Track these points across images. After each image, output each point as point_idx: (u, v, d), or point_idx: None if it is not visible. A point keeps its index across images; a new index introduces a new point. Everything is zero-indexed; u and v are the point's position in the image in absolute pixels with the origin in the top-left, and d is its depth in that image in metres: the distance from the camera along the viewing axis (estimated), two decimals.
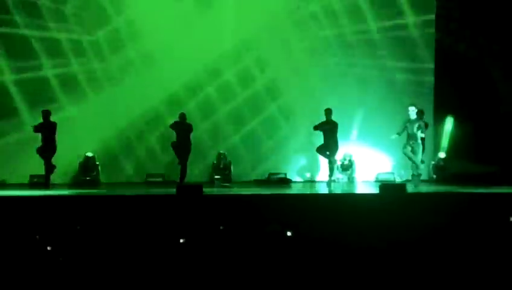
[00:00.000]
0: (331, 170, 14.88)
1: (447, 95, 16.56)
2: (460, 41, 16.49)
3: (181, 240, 7.74)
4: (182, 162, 14.80)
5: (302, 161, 16.76)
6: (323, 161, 15.65)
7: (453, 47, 16.54)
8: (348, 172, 16.34)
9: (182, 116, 14.95)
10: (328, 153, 14.79)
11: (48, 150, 14.45)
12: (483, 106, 16.20)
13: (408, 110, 13.91)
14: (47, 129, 14.44)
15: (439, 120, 16.72)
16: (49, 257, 7.09)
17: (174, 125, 14.91)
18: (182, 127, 14.81)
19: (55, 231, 8.42)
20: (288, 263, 6.79)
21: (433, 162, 16.25)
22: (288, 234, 8.03)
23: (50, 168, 14.55)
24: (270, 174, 16.44)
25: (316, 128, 14.81)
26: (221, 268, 6.67)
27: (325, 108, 14.80)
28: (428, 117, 16.18)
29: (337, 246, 7.43)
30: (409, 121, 13.79)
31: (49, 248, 7.33)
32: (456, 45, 16.51)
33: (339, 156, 15.87)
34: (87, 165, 15.94)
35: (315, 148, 15.18)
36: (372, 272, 6.50)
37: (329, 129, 14.61)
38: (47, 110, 14.70)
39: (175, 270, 6.71)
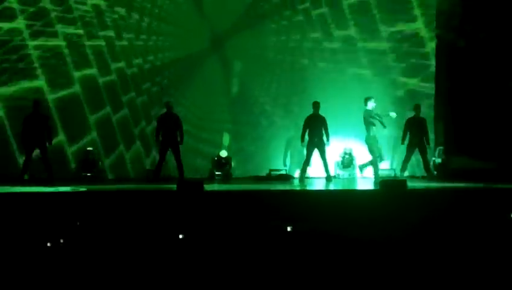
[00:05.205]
0: (326, 166, 14.69)
1: (447, 91, 16.58)
2: (461, 37, 16.45)
3: (180, 236, 7.74)
4: (176, 159, 14.38)
5: (301, 158, 16.72)
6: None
7: (454, 43, 16.51)
8: (349, 169, 16.33)
9: (168, 106, 14.44)
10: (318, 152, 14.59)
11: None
12: (484, 102, 16.15)
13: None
14: None
15: (439, 117, 16.71)
16: (48, 253, 7.10)
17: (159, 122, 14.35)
18: (168, 121, 14.31)
19: (55, 227, 8.42)
20: (288, 258, 6.80)
21: (433, 159, 16.22)
22: (289, 229, 8.04)
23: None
24: (271, 170, 16.40)
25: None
26: (223, 263, 6.68)
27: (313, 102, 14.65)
28: (429, 113, 16.19)
29: (337, 242, 7.44)
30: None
31: (48, 244, 7.34)
32: (457, 41, 16.48)
33: (338, 153, 15.97)
34: (87, 160, 15.89)
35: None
36: (372, 268, 6.51)
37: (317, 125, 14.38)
38: None
39: (176, 265, 6.72)
